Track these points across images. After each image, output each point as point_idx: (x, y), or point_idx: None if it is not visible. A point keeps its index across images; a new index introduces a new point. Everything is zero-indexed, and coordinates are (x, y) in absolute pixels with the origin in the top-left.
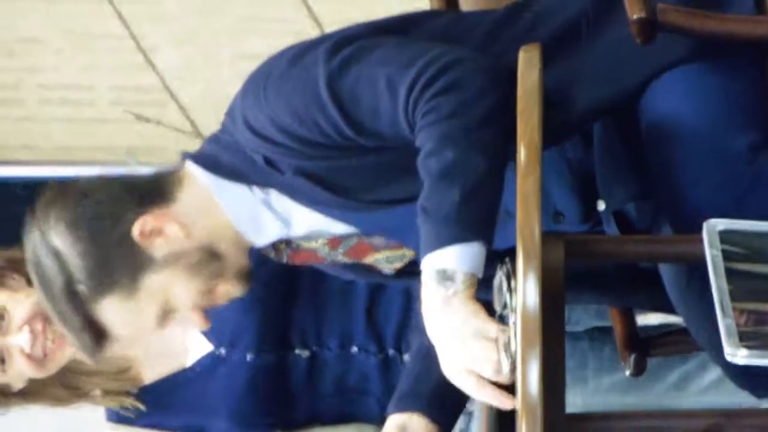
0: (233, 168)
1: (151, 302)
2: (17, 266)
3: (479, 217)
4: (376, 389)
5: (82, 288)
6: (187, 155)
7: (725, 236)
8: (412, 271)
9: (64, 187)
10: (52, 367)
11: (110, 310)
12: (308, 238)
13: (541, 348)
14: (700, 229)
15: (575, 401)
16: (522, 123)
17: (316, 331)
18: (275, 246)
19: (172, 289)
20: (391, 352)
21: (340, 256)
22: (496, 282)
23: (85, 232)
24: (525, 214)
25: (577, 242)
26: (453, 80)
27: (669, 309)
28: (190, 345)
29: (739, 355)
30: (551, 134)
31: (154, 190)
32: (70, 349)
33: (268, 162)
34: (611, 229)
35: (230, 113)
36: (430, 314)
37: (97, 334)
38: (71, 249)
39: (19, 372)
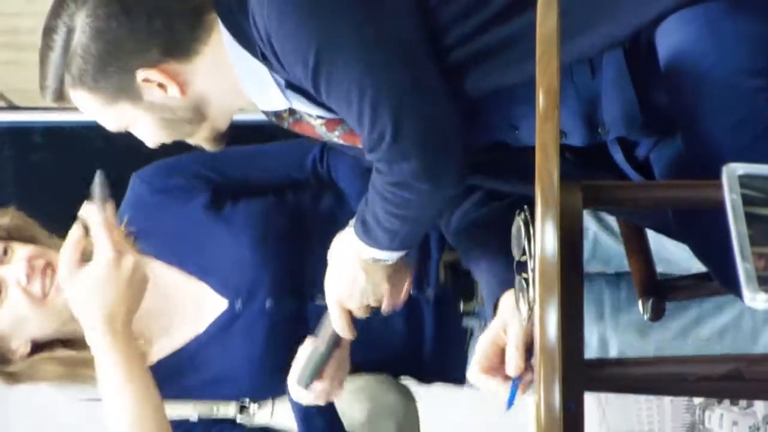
0: (246, 35)
1: (112, 120)
2: (21, 232)
3: (418, 239)
4: (401, 333)
5: (67, 75)
6: (220, 10)
7: (745, 180)
8: None
9: None
10: (49, 313)
11: (79, 99)
12: (308, 113)
13: (560, 294)
14: (716, 168)
15: (591, 338)
16: (541, 68)
17: None
18: (278, 113)
19: (137, 124)
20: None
21: (336, 138)
22: (514, 229)
23: (103, 40)
24: (544, 159)
25: (595, 188)
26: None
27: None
28: (203, 308)
29: (758, 300)
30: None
31: (184, 39)
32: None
33: (264, 57)
34: (617, 154)
35: None
36: (349, 263)
37: (61, 96)
38: (84, 40)
39: (14, 307)
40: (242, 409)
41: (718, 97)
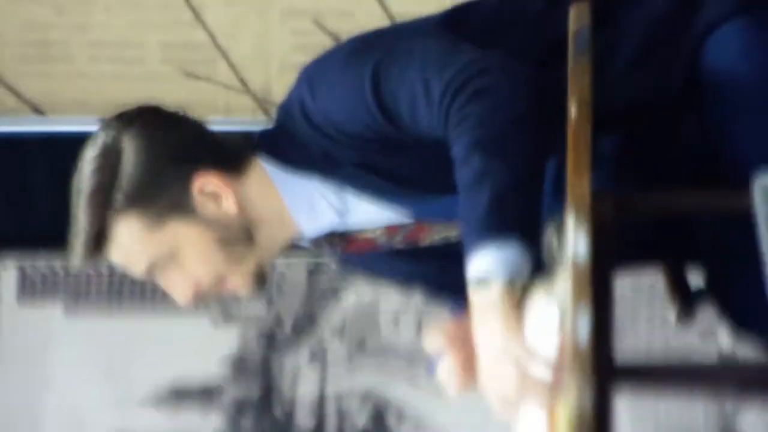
0: (292, 159)
1: (163, 244)
2: None
3: (511, 220)
4: None
5: (117, 195)
6: (254, 145)
7: None
8: None
9: (156, 108)
10: None
11: (125, 229)
12: (363, 229)
13: (591, 303)
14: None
15: None
16: (573, 81)
17: None
18: (329, 238)
19: (189, 246)
20: None
21: (398, 242)
22: (546, 239)
23: (155, 151)
24: (575, 170)
25: (626, 198)
26: (481, 87)
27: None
28: None
29: None
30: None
31: (230, 158)
32: None
33: (327, 155)
34: None
35: (285, 106)
36: (473, 325)
37: (95, 243)
38: (134, 156)
39: None
40: None
41: (756, 117)
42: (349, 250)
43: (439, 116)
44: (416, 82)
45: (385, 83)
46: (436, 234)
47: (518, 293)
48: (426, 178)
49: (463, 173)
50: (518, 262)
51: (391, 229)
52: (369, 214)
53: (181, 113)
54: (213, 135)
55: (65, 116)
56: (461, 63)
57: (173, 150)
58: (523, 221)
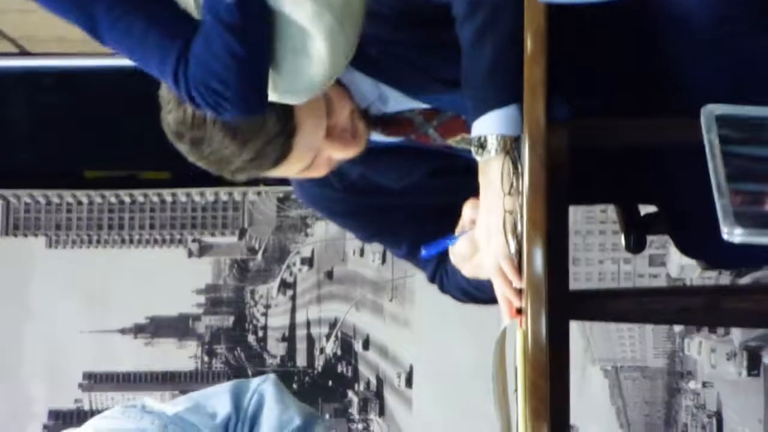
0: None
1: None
2: None
3: (511, 79)
4: None
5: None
6: None
7: (723, 121)
8: None
9: None
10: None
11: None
12: (401, 111)
13: (545, 228)
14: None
15: None
16: (529, 11)
17: None
18: (370, 118)
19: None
20: None
21: (432, 130)
22: (503, 167)
23: None
24: (531, 101)
25: (581, 127)
26: None
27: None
28: None
29: (735, 234)
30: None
31: None
32: None
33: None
34: None
35: None
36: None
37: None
38: None
39: None
40: None
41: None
42: (388, 131)
43: None
44: None
45: None
46: (464, 137)
47: (508, 147)
48: (443, 66)
49: (466, 29)
50: (513, 119)
51: (428, 113)
52: (398, 100)
53: None
54: None
55: (43, 51)
56: None
57: None
58: (519, 78)
